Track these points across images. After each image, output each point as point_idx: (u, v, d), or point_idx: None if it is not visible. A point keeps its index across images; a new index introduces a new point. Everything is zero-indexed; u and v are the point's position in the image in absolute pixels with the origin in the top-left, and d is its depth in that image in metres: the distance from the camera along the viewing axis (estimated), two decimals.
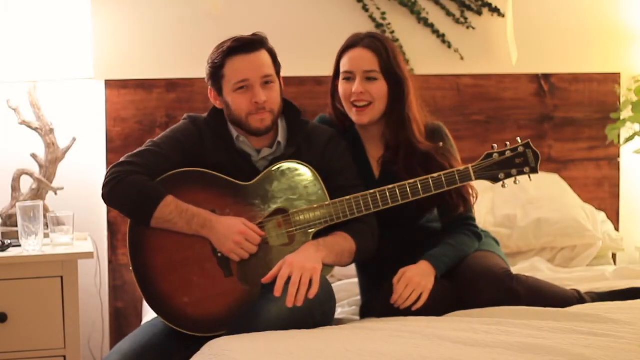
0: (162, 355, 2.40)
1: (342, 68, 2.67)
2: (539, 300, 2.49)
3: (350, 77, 2.64)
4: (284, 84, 2.62)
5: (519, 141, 2.55)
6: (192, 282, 2.44)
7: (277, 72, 2.57)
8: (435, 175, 2.51)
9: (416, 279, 2.49)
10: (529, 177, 2.55)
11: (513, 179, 2.54)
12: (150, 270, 2.45)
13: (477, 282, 2.49)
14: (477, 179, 2.53)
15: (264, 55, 2.52)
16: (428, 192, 2.51)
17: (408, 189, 2.50)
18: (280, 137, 2.56)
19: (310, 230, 2.48)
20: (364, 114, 2.64)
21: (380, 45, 2.64)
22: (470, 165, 2.53)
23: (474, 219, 2.71)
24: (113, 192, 2.47)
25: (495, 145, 2.55)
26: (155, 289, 2.44)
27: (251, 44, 2.51)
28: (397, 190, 2.50)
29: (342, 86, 2.67)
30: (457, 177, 2.51)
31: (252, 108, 2.50)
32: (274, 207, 2.49)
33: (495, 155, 2.53)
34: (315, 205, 2.49)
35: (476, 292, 2.48)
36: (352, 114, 2.66)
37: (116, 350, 2.43)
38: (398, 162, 2.63)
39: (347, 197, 2.48)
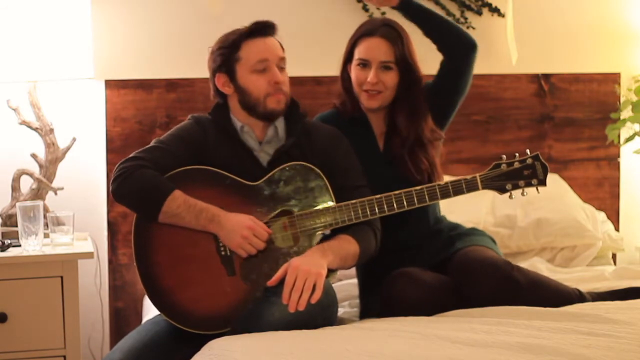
0: (164, 354, 2.40)
1: (358, 55, 2.72)
2: (539, 292, 2.50)
3: (365, 64, 2.70)
4: None
5: (528, 153, 2.56)
6: (195, 280, 2.44)
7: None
8: (442, 183, 2.53)
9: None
10: (537, 189, 2.56)
11: (520, 190, 2.55)
12: (153, 266, 2.46)
13: (477, 271, 2.51)
14: (483, 188, 2.54)
15: (276, 41, 2.59)
16: (434, 200, 2.53)
17: (414, 196, 2.51)
18: (277, 123, 2.59)
19: (316, 233, 2.49)
20: (375, 99, 2.71)
21: (396, 36, 2.71)
22: (477, 175, 2.54)
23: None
24: (121, 186, 2.47)
25: (504, 156, 2.56)
26: (158, 285, 2.45)
27: (268, 27, 2.58)
28: (404, 197, 2.51)
29: (355, 72, 2.73)
30: (464, 186, 2.52)
31: (271, 89, 2.53)
32: (279, 208, 2.50)
33: (504, 166, 2.54)
34: (321, 208, 2.49)
35: (476, 281, 2.49)
36: (363, 99, 2.73)
37: (119, 347, 2.43)
38: (405, 145, 2.69)
39: (353, 202, 2.49)
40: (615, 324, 2.23)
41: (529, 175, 2.54)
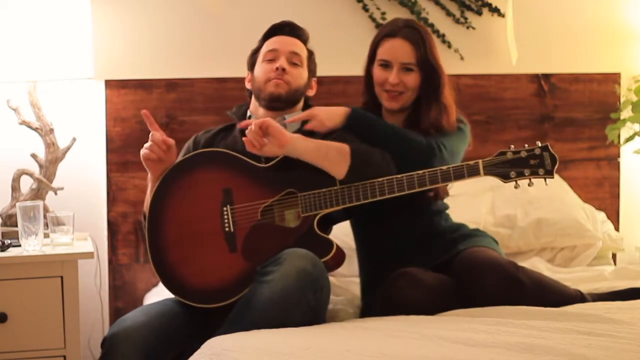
0: (172, 332, 2.47)
1: (380, 56, 2.74)
2: (542, 293, 2.49)
3: (387, 65, 2.72)
4: (315, 88, 2.81)
5: (539, 144, 2.52)
6: (198, 255, 2.55)
7: (310, 68, 2.77)
8: (444, 167, 2.51)
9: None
10: (545, 181, 2.52)
11: (526, 180, 2.50)
12: (162, 241, 2.58)
13: (481, 271, 2.48)
14: (486, 174, 2.50)
15: (300, 43, 2.77)
16: (435, 184, 2.51)
17: (415, 180, 2.51)
18: (287, 117, 2.69)
19: (319, 214, 2.51)
20: (396, 100, 2.72)
21: (418, 37, 2.71)
22: (480, 160, 2.51)
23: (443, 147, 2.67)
24: None
25: (512, 146, 2.53)
26: (164, 259, 2.57)
27: (285, 26, 2.76)
28: (405, 180, 2.51)
29: (377, 72, 2.74)
30: (465, 171, 2.50)
31: (273, 74, 2.67)
32: (285, 189, 2.55)
33: (509, 154, 2.50)
34: (324, 190, 2.52)
35: (481, 282, 2.47)
36: (384, 99, 2.74)
37: (130, 317, 2.49)
38: None
39: (356, 184, 2.51)
40: (616, 324, 2.23)
41: (536, 165, 2.49)
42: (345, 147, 2.52)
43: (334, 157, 2.51)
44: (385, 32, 2.75)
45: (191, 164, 2.63)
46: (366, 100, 2.81)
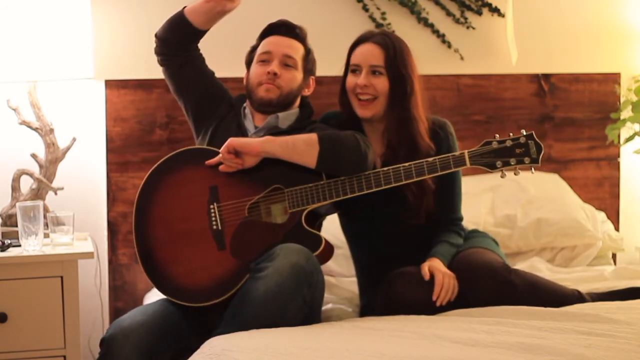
0: (171, 335, 2.48)
1: (351, 61, 2.72)
2: (536, 294, 2.50)
3: (357, 70, 2.70)
4: (312, 87, 2.79)
5: (523, 133, 2.53)
6: (187, 254, 2.55)
7: (306, 68, 2.75)
8: (430, 159, 2.52)
9: (443, 269, 2.53)
10: (532, 169, 2.53)
11: (512, 169, 2.51)
12: (150, 240, 2.58)
13: (475, 275, 2.50)
14: (472, 164, 2.51)
15: (296, 43, 2.72)
16: (421, 176, 2.52)
17: (402, 172, 2.51)
18: (281, 114, 2.69)
19: (306, 209, 2.52)
20: (368, 108, 2.68)
21: (389, 43, 2.68)
22: (466, 151, 2.52)
23: (460, 219, 2.75)
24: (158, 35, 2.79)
25: (497, 135, 2.54)
26: (153, 258, 2.57)
27: (286, 27, 2.74)
28: (391, 173, 2.51)
29: (348, 79, 2.72)
30: (451, 162, 2.51)
31: (264, 77, 2.67)
32: (271, 185, 2.55)
33: (495, 143, 2.51)
34: (311, 185, 2.53)
35: (474, 285, 2.49)
36: (356, 107, 2.70)
37: (129, 316, 2.50)
38: (399, 160, 2.61)
39: (342, 178, 2.53)
40: (615, 323, 2.23)
41: (521, 153, 2.49)
42: (312, 136, 2.54)
43: (302, 148, 2.52)
44: (359, 39, 2.73)
45: (177, 163, 2.63)
46: (345, 112, 2.76)
